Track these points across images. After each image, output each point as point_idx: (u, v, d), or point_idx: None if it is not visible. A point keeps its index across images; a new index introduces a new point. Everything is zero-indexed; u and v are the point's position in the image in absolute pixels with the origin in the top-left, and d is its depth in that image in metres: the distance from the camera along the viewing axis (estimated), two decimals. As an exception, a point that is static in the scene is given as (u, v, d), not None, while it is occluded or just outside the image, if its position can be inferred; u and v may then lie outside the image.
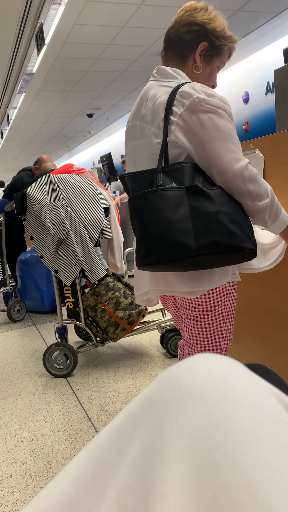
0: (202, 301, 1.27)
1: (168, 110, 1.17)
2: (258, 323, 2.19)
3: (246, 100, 7.08)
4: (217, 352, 1.33)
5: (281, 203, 2.09)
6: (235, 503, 0.28)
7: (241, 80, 7.14)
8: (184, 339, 1.41)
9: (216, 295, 1.27)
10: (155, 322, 2.83)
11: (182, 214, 1.09)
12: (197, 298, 1.27)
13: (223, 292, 1.28)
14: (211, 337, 1.32)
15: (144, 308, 2.72)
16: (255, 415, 0.33)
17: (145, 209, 1.12)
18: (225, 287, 1.28)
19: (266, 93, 6.63)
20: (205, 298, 1.27)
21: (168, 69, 1.26)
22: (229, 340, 1.36)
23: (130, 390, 2.39)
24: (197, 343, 1.34)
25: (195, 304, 1.28)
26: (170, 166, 1.15)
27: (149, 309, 3.24)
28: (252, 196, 1.15)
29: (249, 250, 1.11)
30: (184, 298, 1.30)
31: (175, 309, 1.47)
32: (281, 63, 5.80)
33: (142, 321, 2.89)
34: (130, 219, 1.22)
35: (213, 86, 1.35)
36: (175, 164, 1.15)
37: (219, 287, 1.26)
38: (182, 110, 1.15)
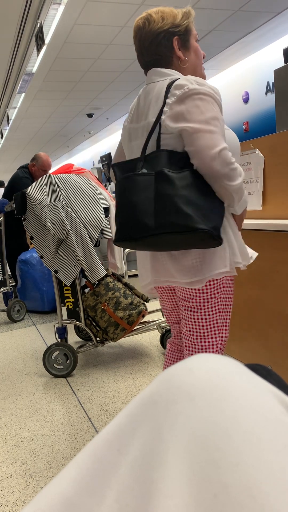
0: (200, 292, 1.33)
1: (164, 102, 1.25)
2: (258, 323, 2.19)
3: (246, 100, 7.08)
4: (213, 343, 1.39)
5: (280, 202, 2.09)
6: (235, 503, 0.28)
7: (241, 80, 7.14)
8: (182, 332, 1.46)
9: (214, 287, 1.33)
10: (155, 322, 2.83)
11: (147, 197, 1.19)
12: (195, 289, 1.33)
13: (220, 284, 1.34)
14: (206, 327, 1.38)
15: (144, 308, 2.72)
16: (255, 415, 0.33)
17: (119, 192, 1.26)
18: (222, 279, 1.34)
19: (266, 93, 6.63)
20: (203, 290, 1.33)
21: (163, 69, 1.34)
22: (225, 333, 1.41)
23: (130, 390, 2.39)
24: (193, 334, 1.40)
25: (193, 295, 1.34)
26: (150, 154, 1.25)
27: (149, 309, 3.24)
28: (226, 176, 1.19)
29: (203, 231, 1.15)
30: (183, 290, 1.36)
31: (171, 303, 1.53)
32: (281, 63, 5.80)
33: (142, 321, 2.89)
34: None
35: (204, 56, 1.42)
36: (153, 153, 1.24)
37: (217, 280, 1.32)
38: (174, 100, 1.23)
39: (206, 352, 1.40)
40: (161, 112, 1.25)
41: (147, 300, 2.86)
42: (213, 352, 1.40)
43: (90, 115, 9.51)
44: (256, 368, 0.46)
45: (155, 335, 3.28)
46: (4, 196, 4.40)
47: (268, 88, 6.59)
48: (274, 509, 0.27)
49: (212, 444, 0.31)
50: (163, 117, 1.25)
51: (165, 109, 1.24)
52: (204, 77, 1.42)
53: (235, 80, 7.27)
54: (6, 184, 7.93)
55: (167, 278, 1.34)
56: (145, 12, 1.33)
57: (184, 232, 1.15)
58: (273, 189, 2.11)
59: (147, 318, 3.46)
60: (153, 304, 4.10)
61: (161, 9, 1.33)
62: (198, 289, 1.32)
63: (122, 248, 2.87)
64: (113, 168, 1.35)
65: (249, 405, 0.33)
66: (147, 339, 3.23)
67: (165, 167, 1.20)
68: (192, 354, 1.44)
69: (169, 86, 1.25)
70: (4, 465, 1.79)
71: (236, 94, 7.25)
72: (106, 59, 6.20)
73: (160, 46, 1.32)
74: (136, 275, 4.43)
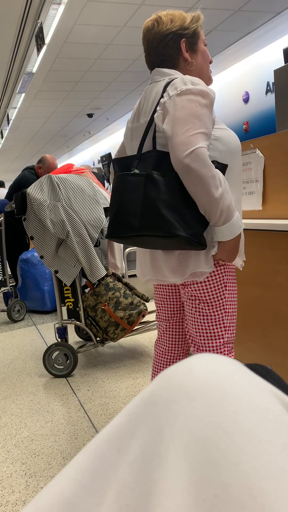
0: (203, 292, 1.34)
1: (158, 102, 1.27)
2: (259, 323, 2.19)
3: (246, 100, 7.08)
4: (219, 344, 1.38)
5: (280, 202, 2.09)
6: (235, 503, 0.28)
7: (241, 80, 7.13)
8: (188, 334, 1.46)
9: (215, 286, 1.33)
10: (155, 322, 2.82)
11: (136, 197, 1.22)
12: (198, 288, 1.34)
13: (222, 283, 1.34)
14: (213, 328, 1.37)
15: (144, 308, 2.72)
16: (255, 415, 0.33)
17: (113, 190, 1.29)
18: (222, 277, 1.34)
19: (266, 93, 6.63)
20: (206, 289, 1.33)
21: (165, 70, 1.35)
22: (232, 333, 1.40)
23: (130, 390, 2.39)
24: (201, 335, 1.39)
25: (197, 295, 1.35)
26: (145, 153, 1.27)
27: (149, 309, 3.24)
28: (199, 178, 1.15)
29: (182, 238, 1.16)
30: (188, 290, 1.37)
31: (165, 298, 1.53)
32: (281, 63, 5.79)
33: (142, 321, 2.89)
34: None
35: (211, 62, 1.43)
36: (147, 152, 1.27)
37: (217, 279, 1.33)
38: (166, 99, 1.24)
39: (214, 351, 1.41)
40: (154, 111, 1.28)
41: (147, 300, 2.86)
42: (221, 351, 1.40)
43: (90, 115, 9.51)
44: (256, 368, 0.46)
45: (155, 335, 3.28)
46: (8, 196, 4.41)
47: (268, 88, 6.58)
48: (274, 509, 0.27)
49: (212, 444, 0.31)
50: (155, 115, 1.27)
51: (158, 108, 1.27)
52: (210, 80, 1.43)
53: (235, 80, 7.27)
54: (5, 184, 7.94)
55: (163, 278, 1.36)
56: (155, 14, 1.36)
57: (163, 236, 1.18)
58: (273, 189, 2.11)
59: (147, 318, 3.46)
60: (153, 304, 4.10)
61: (171, 12, 1.36)
62: (202, 288, 1.33)
63: (122, 248, 2.87)
64: (113, 164, 1.38)
65: (249, 405, 0.33)
66: (147, 339, 3.23)
67: (155, 168, 1.22)
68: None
69: (166, 86, 1.27)
70: (4, 465, 1.79)
71: (236, 94, 7.24)
72: (106, 59, 6.20)
73: (168, 48, 1.34)
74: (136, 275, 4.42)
